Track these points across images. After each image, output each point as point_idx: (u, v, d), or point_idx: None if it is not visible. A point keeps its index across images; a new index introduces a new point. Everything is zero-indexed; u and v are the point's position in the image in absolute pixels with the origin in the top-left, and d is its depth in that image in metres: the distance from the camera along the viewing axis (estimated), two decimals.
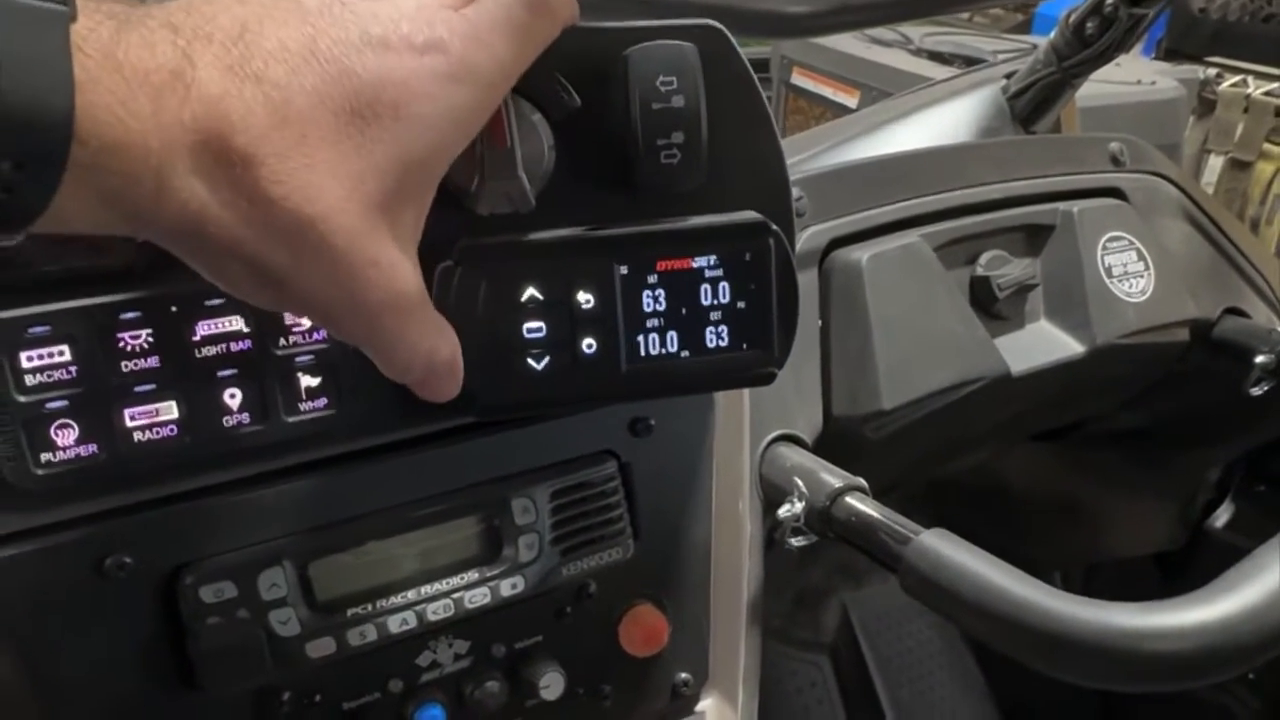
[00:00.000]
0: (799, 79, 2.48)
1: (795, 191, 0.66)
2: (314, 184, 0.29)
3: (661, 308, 0.42)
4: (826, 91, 2.41)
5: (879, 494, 0.56)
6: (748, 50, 0.44)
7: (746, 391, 0.59)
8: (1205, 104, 2.45)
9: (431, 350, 0.34)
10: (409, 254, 0.33)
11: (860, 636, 1.21)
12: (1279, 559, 0.45)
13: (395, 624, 0.44)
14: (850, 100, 2.30)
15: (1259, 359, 0.77)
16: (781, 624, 1.19)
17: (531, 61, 0.35)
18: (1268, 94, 2.38)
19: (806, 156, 0.88)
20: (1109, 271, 0.74)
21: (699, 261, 0.42)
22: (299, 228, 0.29)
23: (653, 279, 0.42)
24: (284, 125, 0.28)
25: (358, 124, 0.30)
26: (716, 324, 0.43)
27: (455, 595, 0.45)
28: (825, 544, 1.12)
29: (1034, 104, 1.00)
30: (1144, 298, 0.75)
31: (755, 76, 0.44)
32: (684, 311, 0.42)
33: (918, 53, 2.36)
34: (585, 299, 0.41)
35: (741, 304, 0.43)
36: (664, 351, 0.43)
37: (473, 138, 0.34)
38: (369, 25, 0.31)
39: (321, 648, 0.42)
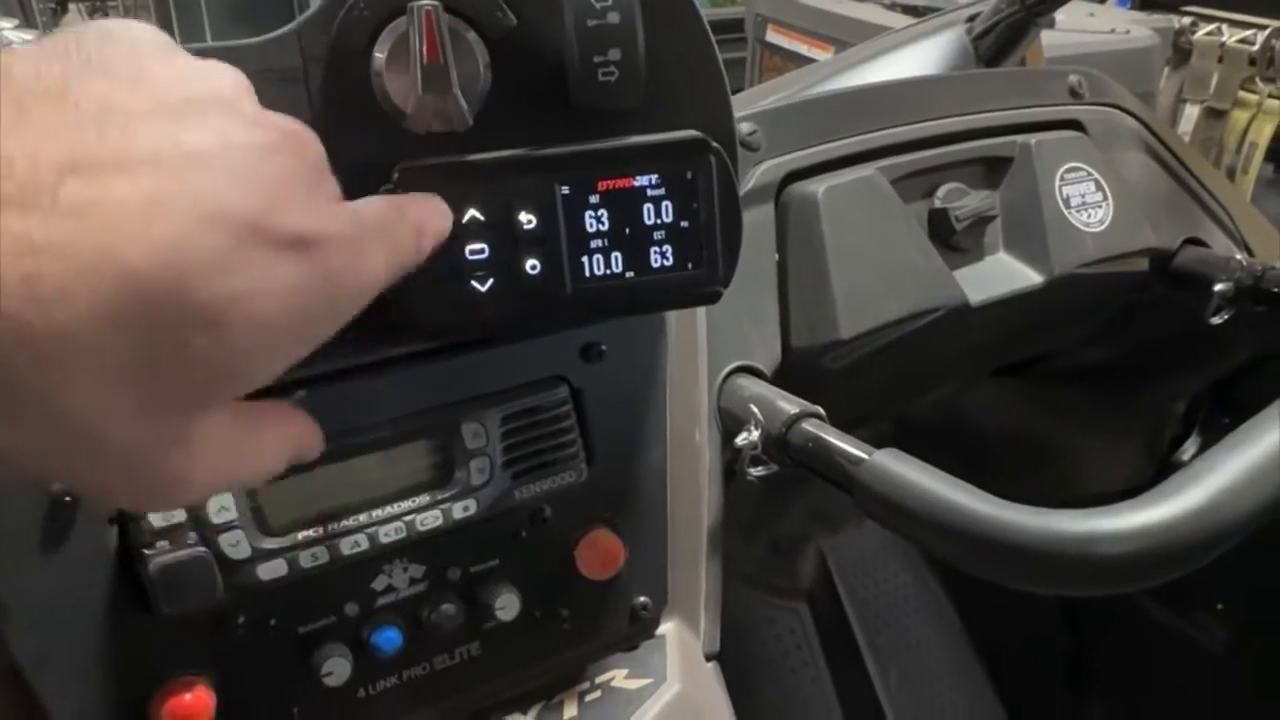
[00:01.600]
0: (774, 36, 2.47)
1: (750, 125, 0.66)
2: (106, 399, 0.23)
3: (604, 228, 0.42)
4: (801, 48, 2.40)
5: (843, 429, 0.57)
6: (720, 10, 0.44)
7: (701, 321, 0.59)
8: (1180, 53, 2.45)
9: (270, 472, 0.30)
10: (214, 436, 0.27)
11: (837, 582, 1.23)
12: (1223, 461, 0.46)
13: (347, 546, 0.44)
14: (825, 56, 2.29)
15: (1218, 287, 0.77)
16: (758, 572, 1.20)
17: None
18: (1242, 41, 2.38)
19: (769, 102, 0.88)
20: (1067, 202, 0.74)
21: (640, 180, 0.42)
22: (84, 441, 0.24)
23: (594, 199, 0.42)
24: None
25: (175, 333, 0.23)
26: (660, 244, 0.43)
27: (407, 518, 0.45)
28: (799, 489, 1.13)
29: (998, 44, 1.00)
30: (1102, 228, 0.75)
31: None
32: (627, 231, 0.43)
33: (892, 7, 2.35)
34: (527, 220, 0.41)
35: (685, 223, 0.43)
36: (609, 272, 0.43)
37: (311, 349, 0.28)
38: (224, 192, 0.24)
39: (273, 570, 0.42)
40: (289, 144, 0.27)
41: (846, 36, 2.23)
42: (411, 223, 0.33)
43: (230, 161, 0.25)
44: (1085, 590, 0.46)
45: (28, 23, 3.62)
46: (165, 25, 4.35)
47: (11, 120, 0.22)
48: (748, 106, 0.68)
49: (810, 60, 2.35)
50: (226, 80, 0.27)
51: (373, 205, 0.32)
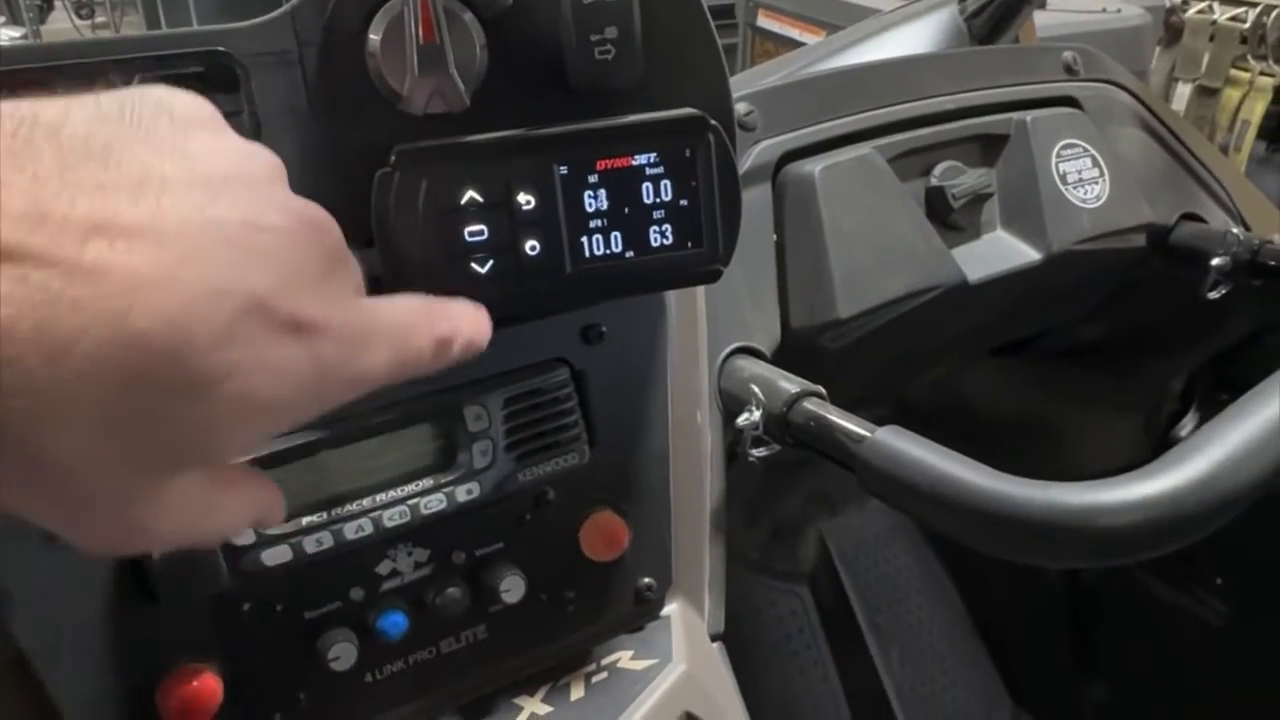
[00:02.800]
0: (765, 21, 2.46)
1: (746, 106, 0.66)
2: (92, 450, 0.24)
3: (603, 207, 0.42)
4: (794, 33, 2.39)
5: (844, 410, 0.57)
6: None
7: (701, 302, 0.59)
8: (1172, 31, 2.45)
9: (230, 533, 0.32)
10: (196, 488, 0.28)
11: (838, 565, 1.23)
12: (1224, 432, 0.46)
13: (351, 531, 0.44)
14: (818, 40, 2.29)
15: (1215, 262, 0.78)
16: (760, 556, 1.20)
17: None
18: (1233, 19, 2.37)
19: (764, 83, 0.88)
20: (1063, 179, 0.74)
21: (639, 159, 0.42)
22: (61, 485, 0.25)
23: (593, 178, 0.42)
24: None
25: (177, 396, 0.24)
26: (659, 223, 0.43)
27: (411, 502, 0.45)
28: (799, 472, 1.13)
29: (992, 22, 1.00)
30: (1099, 204, 0.75)
31: None
32: (626, 211, 0.42)
33: None
34: (526, 200, 0.41)
35: (684, 201, 0.43)
36: (608, 252, 0.43)
37: (289, 428, 0.28)
38: (236, 269, 0.25)
39: (277, 555, 0.42)
40: (309, 232, 0.28)
41: (838, 20, 2.22)
42: (436, 332, 0.32)
43: (249, 241, 0.25)
44: (1088, 562, 0.46)
45: (14, 19, 3.60)
46: (152, 17, 4.33)
47: (54, 177, 0.23)
48: (743, 88, 0.67)
49: (802, 45, 2.35)
50: (262, 162, 0.28)
51: (398, 305, 0.32)
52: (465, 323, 0.34)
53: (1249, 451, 0.45)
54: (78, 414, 0.23)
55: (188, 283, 0.24)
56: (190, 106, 0.27)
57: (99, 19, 5.15)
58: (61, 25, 5.14)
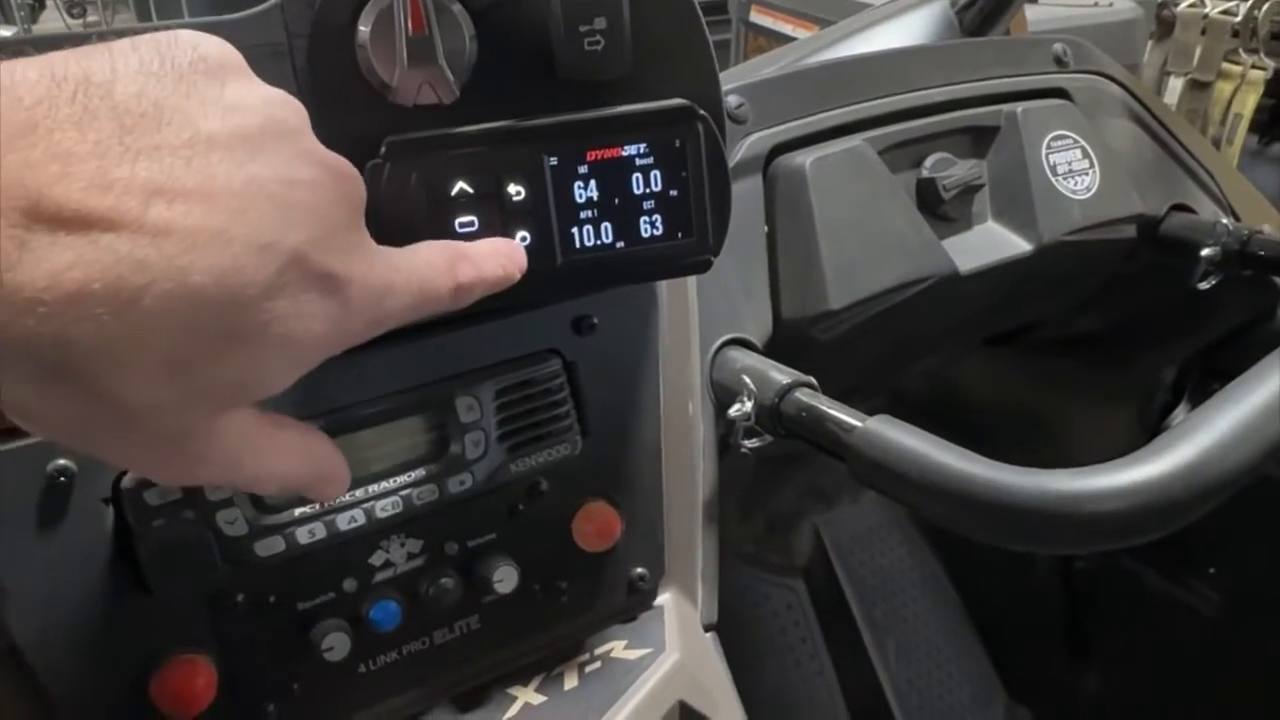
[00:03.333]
0: (758, 17, 2.46)
1: (737, 99, 0.66)
2: (153, 390, 0.27)
3: (594, 198, 0.42)
4: (786, 28, 2.39)
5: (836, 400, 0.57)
6: None
7: (693, 294, 0.59)
8: (1164, 25, 2.45)
9: (286, 475, 0.33)
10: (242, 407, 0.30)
11: (833, 558, 1.23)
12: (1212, 418, 0.46)
13: (344, 522, 0.44)
14: (809, 35, 2.29)
15: (1205, 252, 0.78)
16: (754, 549, 1.21)
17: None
18: (1224, 13, 2.38)
19: (756, 77, 0.88)
20: (1054, 170, 0.74)
21: (629, 150, 0.42)
22: (124, 421, 0.27)
23: (583, 169, 0.42)
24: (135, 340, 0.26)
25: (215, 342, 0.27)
26: (650, 213, 0.43)
27: (403, 493, 0.45)
28: (793, 466, 1.13)
29: (982, 15, 1.01)
30: (1089, 194, 0.75)
31: None
32: (616, 201, 0.43)
33: None
34: (516, 191, 0.41)
35: (674, 192, 0.43)
36: (599, 243, 0.43)
37: (317, 364, 0.31)
38: (278, 226, 0.27)
39: (270, 546, 0.42)
40: (338, 184, 0.30)
41: (831, 15, 2.22)
42: (455, 278, 0.35)
43: (287, 196, 0.28)
44: (1078, 547, 0.46)
45: (5, 18, 3.59)
46: (144, 16, 4.32)
47: (115, 141, 0.25)
48: (734, 81, 0.68)
49: (795, 40, 2.35)
50: (292, 109, 0.30)
51: (420, 255, 0.34)
52: (490, 264, 0.37)
53: (1237, 437, 0.46)
54: (143, 359, 0.25)
55: (238, 239, 0.26)
56: (220, 53, 0.29)
57: (91, 18, 5.14)
58: (53, 25, 5.13)
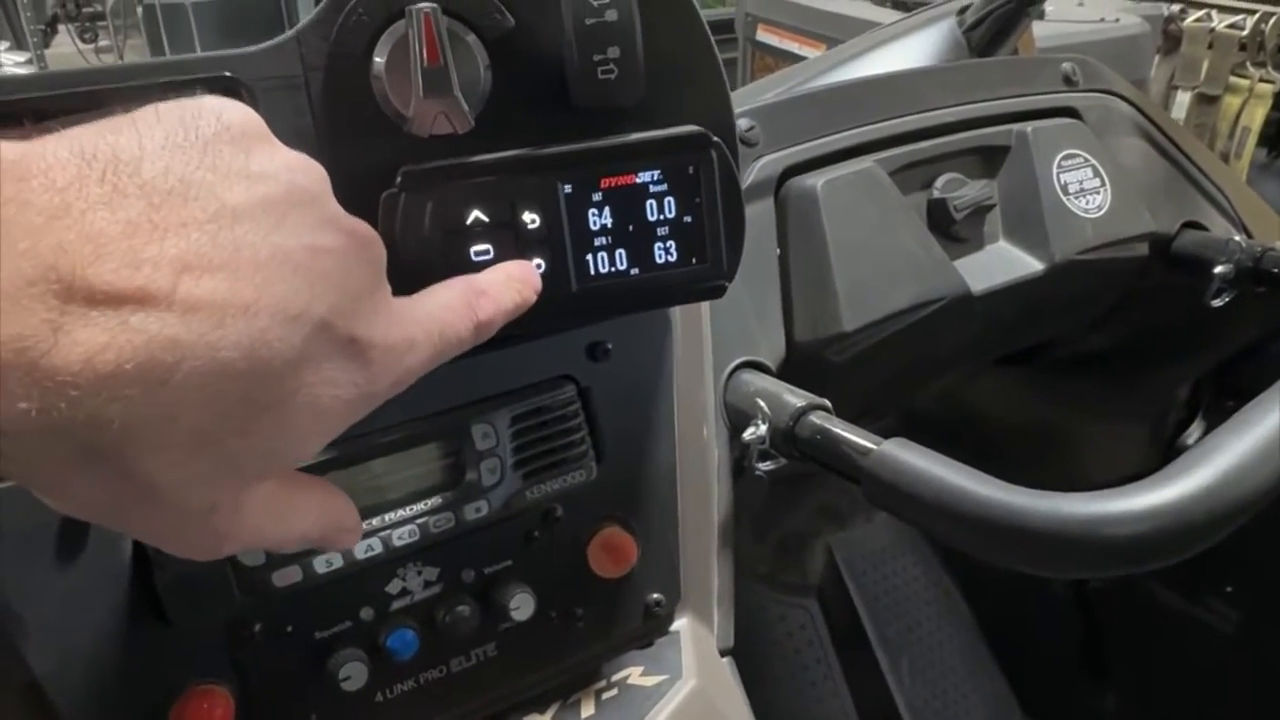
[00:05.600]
0: (764, 35, 2.47)
1: (748, 121, 0.67)
2: (182, 467, 0.27)
3: (608, 225, 0.42)
4: (793, 47, 2.41)
5: (849, 422, 0.57)
6: (710, 11, 0.44)
7: (706, 318, 0.59)
8: (1170, 40, 2.46)
9: (305, 535, 0.33)
10: (262, 481, 0.30)
11: (846, 578, 1.23)
12: (1229, 441, 0.46)
13: (361, 551, 0.44)
14: (817, 54, 2.30)
15: (1218, 270, 0.78)
16: (768, 569, 1.20)
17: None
18: (1231, 27, 2.38)
19: (765, 98, 0.88)
20: (1065, 189, 0.74)
21: (642, 176, 0.43)
22: (152, 499, 0.27)
23: (597, 196, 0.42)
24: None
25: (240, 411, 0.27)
26: (664, 239, 0.43)
27: (420, 521, 0.45)
28: (807, 486, 1.13)
29: (990, 34, 1.00)
30: (1101, 213, 0.75)
31: None
32: (631, 228, 0.43)
33: (882, 2, 2.36)
34: (531, 219, 0.41)
35: (688, 218, 0.43)
36: (613, 269, 0.43)
37: (346, 428, 0.31)
38: (304, 296, 0.27)
39: (287, 576, 0.42)
40: (360, 249, 0.30)
41: (837, 34, 2.23)
42: (475, 319, 0.35)
43: (312, 265, 0.28)
44: (1095, 572, 0.46)
45: (18, 44, 3.63)
46: (155, 40, 4.36)
47: (145, 220, 0.25)
48: (743, 103, 0.68)
49: (801, 58, 2.36)
50: (314, 175, 0.30)
51: (437, 302, 0.35)
52: (507, 294, 0.37)
53: (1255, 459, 0.45)
54: (172, 435, 0.26)
55: (265, 311, 0.26)
56: (243, 120, 0.29)
57: (102, 42, 5.19)
58: (65, 49, 5.19)
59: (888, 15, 2.24)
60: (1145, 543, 0.44)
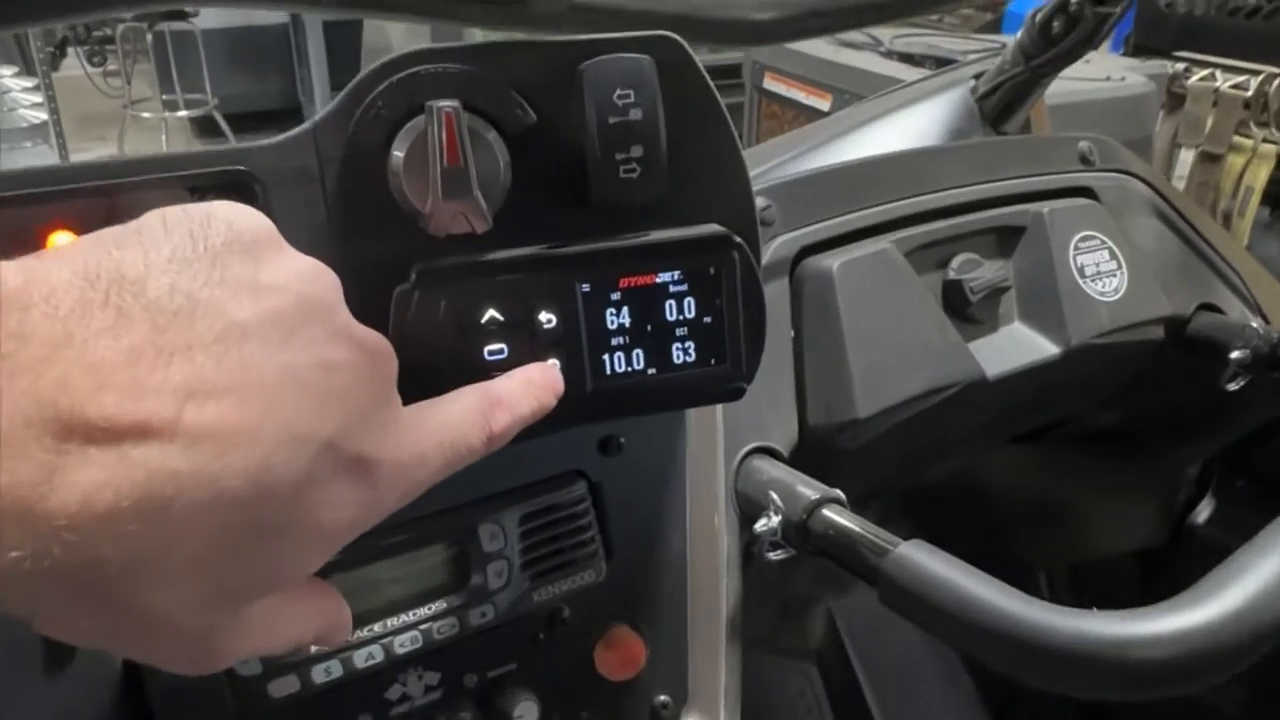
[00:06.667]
0: (771, 84, 2.48)
1: (764, 200, 0.66)
2: (179, 596, 0.26)
3: (626, 325, 0.41)
4: (799, 95, 2.42)
5: (858, 502, 0.56)
6: (718, 56, 0.43)
7: (719, 405, 0.58)
8: (1174, 98, 2.47)
9: (299, 640, 0.32)
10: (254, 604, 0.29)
11: (847, 643, 1.21)
12: (1258, 561, 0.44)
13: (361, 659, 0.42)
14: (823, 104, 2.31)
15: (1234, 354, 0.77)
16: (767, 634, 1.18)
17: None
18: (1235, 87, 2.39)
19: (776, 164, 0.87)
20: (1081, 271, 0.74)
21: (662, 277, 0.42)
22: (148, 626, 0.26)
23: (616, 296, 0.41)
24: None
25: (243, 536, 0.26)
26: (682, 340, 0.42)
27: (423, 627, 0.44)
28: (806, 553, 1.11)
29: (1003, 104, 1.00)
30: (1117, 296, 0.74)
31: (714, 87, 0.43)
32: (649, 328, 0.42)
33: (889, 55, 2.37)
34: (547, 319, 0.40)
35: (707, 319, 0.42)
36: (630, 370, 0.42)
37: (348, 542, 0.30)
38: (310, 415, 0.27)
39: (284, 686, 0.41)
40: (372, 364, 0.29)
41: (843, 84, 2.24)
42: (489, 430, 0.34)
43: (320, 383, 0.27)
44: (1120, 695, 0.45)
45: (27, 69, 3.64)
46: (164, 71, 4.38)
47: (149, 344, 0.24)
48: (753, 166, 0.67)
49: (807, 107, 2.36)
50: (325, 284, 0.29)
51: (448, 414, 0.33)
52: (524, 403, 0.36)
53: None
54: (170, 566, 0.25)
55: (269, 434, 0.25)
56: (254, 228, 0.28)
57: (110, 66, 5.22)
58: (73, 72, 5.21)
59: (894, 67, 2.25)
60: (1175, 667, 0.42)
